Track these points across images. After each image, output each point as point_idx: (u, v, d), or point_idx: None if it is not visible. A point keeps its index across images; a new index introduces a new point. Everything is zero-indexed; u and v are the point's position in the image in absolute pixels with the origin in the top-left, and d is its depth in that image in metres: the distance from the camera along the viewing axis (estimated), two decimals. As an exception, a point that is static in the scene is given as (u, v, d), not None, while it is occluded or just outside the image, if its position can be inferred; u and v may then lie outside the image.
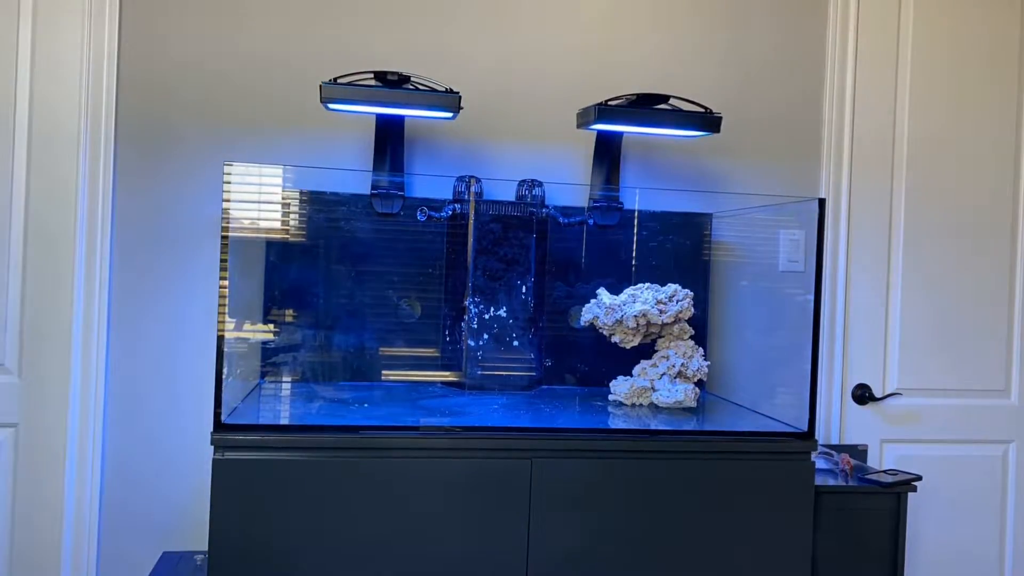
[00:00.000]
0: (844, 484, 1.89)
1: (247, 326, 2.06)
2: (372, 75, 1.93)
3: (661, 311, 1.99)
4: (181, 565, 1.95)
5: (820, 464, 1.96)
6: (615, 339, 2.03)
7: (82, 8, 2.07)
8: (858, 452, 2.28)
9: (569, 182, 2.24)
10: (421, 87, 1.94)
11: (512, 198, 2.15)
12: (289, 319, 2.06)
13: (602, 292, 2.05)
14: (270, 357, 2.07)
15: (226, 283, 1.70)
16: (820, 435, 2.33)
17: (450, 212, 2.10)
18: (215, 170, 2.10)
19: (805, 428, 1.79)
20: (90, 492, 2.07)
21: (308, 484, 1.60)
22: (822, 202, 1.89)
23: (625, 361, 2.07)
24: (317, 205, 2.09)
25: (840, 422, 2.38)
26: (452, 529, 1.63)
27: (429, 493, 1.63)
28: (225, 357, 1.67)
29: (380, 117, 2.05)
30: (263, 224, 2.05)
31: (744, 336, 2.29)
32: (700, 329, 2.16)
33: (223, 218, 1.69)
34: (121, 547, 2.12)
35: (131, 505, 2.12)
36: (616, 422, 1.89)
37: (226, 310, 1.71)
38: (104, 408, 2.09)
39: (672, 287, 2.02)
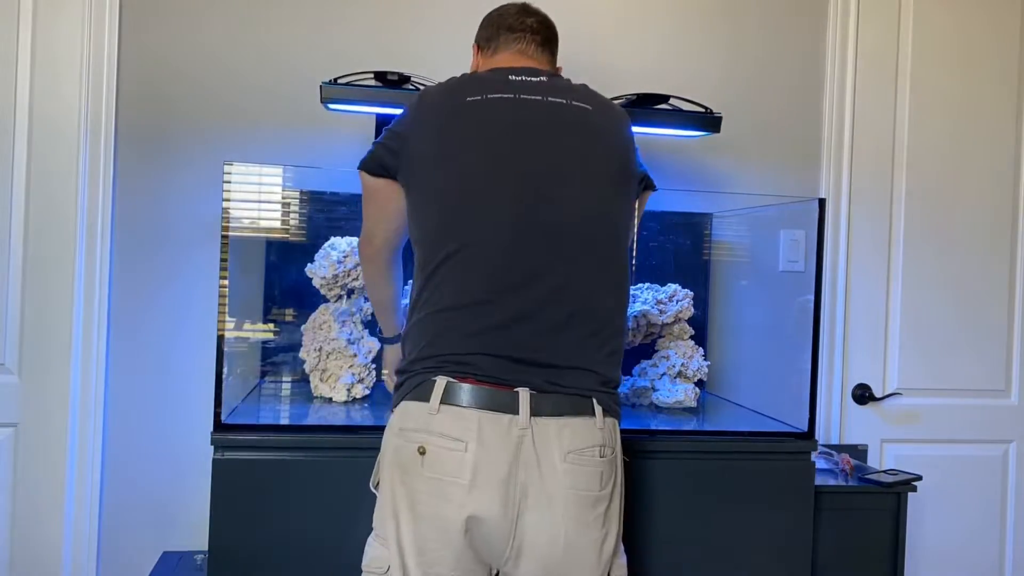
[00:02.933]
0: (844, 484, 1.89)
1: (247, 326, 2.06)
2: (372, 75, 1.93)
3: (661, 311, 1.99)
4: (181, 565, 1.95)
5: (820, 464, 1.96)
6: (615, 339, 2.03)
7: (82, 8, 2.07)
8: (858, 452, 2.28)
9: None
10: (421, 87, 1.94)
11: (512, 198, 2.15)
12: (289, 319, 2.06)
13: (602, 292, 2.05)
14: (270, 357, 2.07)
15: (226, 283, 1.70)
16: (820, 435, 2.33)
17: (450, 212, 2.09)
18: (215, 170, 2.10)
19: (805, 428, 1.79)
20: (90, 492, 2.07)
21: (308, 484, 1.60)
22: (822, 202, 1.89)
23: (625, 361, 2.06)
24: (317, 205, 2.09)
25: (840, 422, 2.38)
26: (452, 529, 1.63)
27: (429, 493, 1.62)
28: (225, 357, 1.67)
29: (380, 117, 2.05)
30: (263, 224, 2.05)
31: (744, 336, 2.29)
32: (700, 329, 2.16)
33: (223, 218, 1.69)
34: (121, 547, 2.12)
35: (131, 505, 2.12)
36: (616, 422, 1.88)
37: (226, 310, 1.71)
38: (104, 408, 2.09)
39: (672, 287, 2.02)
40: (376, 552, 1.35)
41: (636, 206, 1.53)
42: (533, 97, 1.42)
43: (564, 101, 1.44)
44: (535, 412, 1.31)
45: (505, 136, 1.40)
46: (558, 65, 1.63)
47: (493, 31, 1.58)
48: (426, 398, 1.33)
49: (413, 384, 1.36)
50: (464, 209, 1.37)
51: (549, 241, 1.35)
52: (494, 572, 1.36)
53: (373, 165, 1.48)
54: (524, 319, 1.33)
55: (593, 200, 1.39)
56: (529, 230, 1.35)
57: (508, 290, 1.33)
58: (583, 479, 1.31)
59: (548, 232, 1.36)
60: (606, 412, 1.37)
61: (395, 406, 1.39)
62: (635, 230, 1.66)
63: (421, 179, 1.41)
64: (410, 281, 1.48)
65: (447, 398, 1.32)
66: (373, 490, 1.40)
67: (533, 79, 1.46)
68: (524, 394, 1.31)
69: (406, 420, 1.34)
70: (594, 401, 1.35)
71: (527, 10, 1.59)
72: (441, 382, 1.33)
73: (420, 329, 1.37)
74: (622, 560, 1.39)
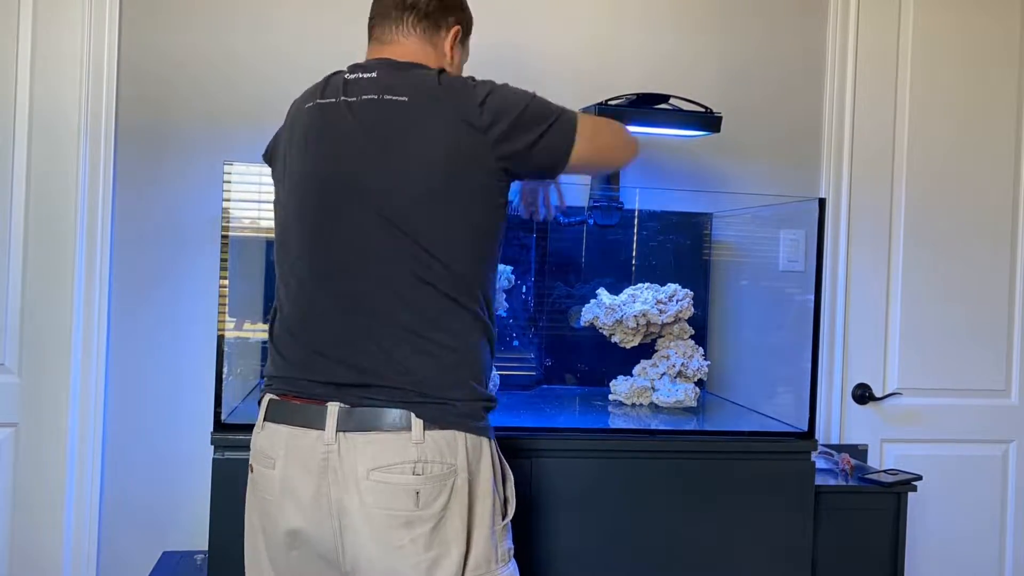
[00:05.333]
0: (844, 484, 1.89)
1: (247, 326, 2.06)
2: (372, 75, 1.93)
3: (661, 311, 1.99)
4: (181, 565, 1.95)
5: (820, 464, 1.96)
6: (615, 339, 2.03)
7: (82, 8, 2.07)
8: (858, 452, 2.28)
9: (569, 182, 2.24)
10: (421, 87, 1.93)
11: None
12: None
13: (602, 292, 2.05)
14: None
15: (226, 283, 1.70)
16: (820, 435, 2.33)
17: (450, 212, 2.09)
18: (215, 170, 2.10)
19: (805, 428, 1.79)
20: (90, 492, 2.07)
21: (308, 484, 1.59)
22: (822, 202, 1.89)
23: (625, 361, 2.07)
24: (317, 205, 2.09)
25: (840, 422, 2.38)
26: (452, 529, 1.63)
27: (429, 493, 1.62)
28: (225, 357, 1.67)
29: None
30: (263, 224, 2.05)
31: (744, 336, 2.29)
32: (700, 329, 2.16)
33: (223, 218, 1.69)
34: (121, 547, 2.11)
35: (131, 505, 2.12)
36: (616, 422, 1.89)
37: (226, 310, 1.71)
38: (104, 408, 2.09)
39: (672, 287, 2.02)
40: (246, 565, 1.39)
41: (497, 193, 1.33)
42: (349, 99, 1.32)
43: (376, 97, 1.30)
44: (343, 427, 1.26)
45: (312, 148, 1.34)
46: (454, 26, 1.46)
47: (369, 18, 1.45)
48: (258, 416, 1.36)
49: (258, 403, 1.39)
50: (284, 232, 1.37)
51: (353, 256, 1.29)
52: None
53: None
54: (333, 336, 1.29)
55: (398, 206, 1.27)
56: (330, 247, 1.30)
57: (315, 310, 1.31)
58: (390, 498, 1.23)
59: (350, 247, 1.29)
60: (433, 425, 1.26)
61: None
62: (543, 211, 1.61)
63: (275, 193, 1.43)
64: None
65: (269, 416, 1.34)
66: None
67: (363, 76, 1.34)
68: (332, 408, 1.27)
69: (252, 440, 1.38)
70: (412, 415, 1.25)
71: None
72: (266, 400, 1.35)
73: (269, 349, 1.40)
74: None
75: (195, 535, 2.10)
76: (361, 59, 1.40)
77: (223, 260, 1.69)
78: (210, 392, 1.69)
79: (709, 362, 2.04)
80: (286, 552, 1.31)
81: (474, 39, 2.31)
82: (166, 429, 2.11)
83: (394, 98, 1.30)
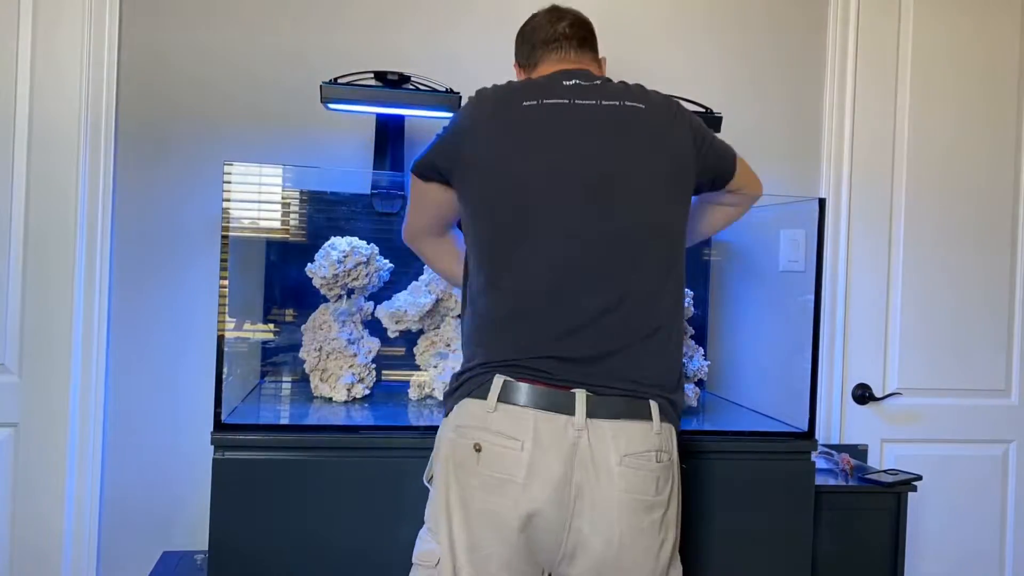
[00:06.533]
0: (844, 484, 1.89)
1: (247, 326, 2.06)
2: (372, 75, 1.93)
3: (661, 311, 1.99)
4: (181, 565, 1.95)
5: (820, 464, 1.96)
6: (615, 339, 2.03)
7: (82, 8, 2.07)
8: (858, 452, 2.28)
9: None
10: (421, 87, 1.94)
11: (512, 198, 2.15)
12: (289, 319, 2.06)
13: (602, 292, 2.04)
14: (270, 357, 2.07)
15: (226, 283, 1.70)
16: (820, 435, 2.33)
17: (450, 212, 2.09)
18: (215, 170, 2.10)
19: (805, 428, 1.79)
20: (90, 492, 2.07)
21: (308, 484, 1.60)
22: (822, 202, 1.89)
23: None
24: (317, 205, 2.09)
25: (840, 422, 2.38)
26: (452, 529, 1.63)
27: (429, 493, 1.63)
28: (225, 357, 1.67)
29: (380, 117, 2.05)
30: (263, 224, 2.05)
31: (744, 336, 2.29)
32: (700, 329, 2.16)
33: (223, 218, 1.69)
34: (121, 547, 2.12)
35: (131, 505, 2.12)
36: (616, 422, 1.88)
37: (226, 310, 1.71)
38: (104, 407, 2.09)
39: (672, 287, 2.02)
40: (428, 546, 1.36)
41: (699, 203, 1.56)
42: (587, 102, 1.40)
43: (617, 103, 1.41)
44: (591, 414, 1.31)
45: (561, 142, 1.38)
46: (601, 56, 1.61)
47: (530, 48, 1.57)
48: (484, 396, 1.34)
49: (474, 384, 1.36)
50: (521, 218, 1.36)
51: (609, 248, 1.35)
52: (546, 574, 1.35)
53: (423, 169, 1.48)
54: (584, 325, 1.33)
55: (651, 204, 1.37)
56: (588, 237, 1.35)
57: (568, 297, 1.34)
58: (638, 483, 1.30)
59: (608, 239, 1.35)
60: (664, 417, 1.35)
61: (450, 409, 1.39)
62: (705, 230, 1.71)
63: (476, 185, 1.41)
64: None
65: (504, 397, 1.33)
66: (427, 484, 1.43)
67: (585, 83, 1.44)
68: (580, 395, 1.31)
69: (463, 417, 1.36)
70: (651, 405, 1.34)
71: (558, 15, 1.56)
72: (498, 381, 1.34)
73: (480, 333, 1.39)
74: (676, 571, 1.38)
75: (195, 535, 2.10)
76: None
77: (223, 260, 1.69)
78: (210, 392, 1.69)
79: (709, 362, 2.04)
80: (511, 533, 1.30)
81: (477, 39, 2.32)
82: (166, 429, 2.11)
83: (633, 104, 1.42)
